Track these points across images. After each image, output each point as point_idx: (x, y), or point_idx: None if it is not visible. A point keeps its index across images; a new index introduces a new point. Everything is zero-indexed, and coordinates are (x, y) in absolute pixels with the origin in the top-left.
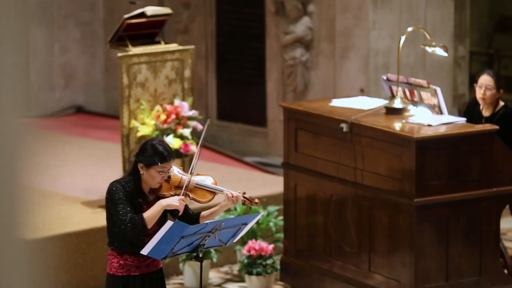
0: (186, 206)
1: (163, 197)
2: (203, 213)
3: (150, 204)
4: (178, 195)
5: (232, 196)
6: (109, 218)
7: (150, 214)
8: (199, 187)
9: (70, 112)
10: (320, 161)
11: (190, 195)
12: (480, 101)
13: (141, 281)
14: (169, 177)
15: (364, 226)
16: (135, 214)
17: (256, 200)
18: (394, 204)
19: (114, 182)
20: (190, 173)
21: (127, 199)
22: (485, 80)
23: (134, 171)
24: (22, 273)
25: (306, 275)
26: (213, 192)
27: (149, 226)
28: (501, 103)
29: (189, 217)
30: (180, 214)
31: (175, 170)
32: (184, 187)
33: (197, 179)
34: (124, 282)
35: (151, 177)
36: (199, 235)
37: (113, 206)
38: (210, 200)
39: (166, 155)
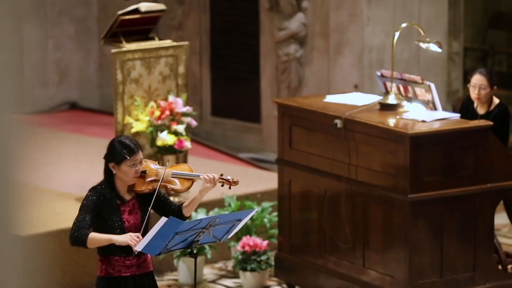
0: (166, 200)
1: (141, 193)
2: (185, 203)
3: (127, 205)
4: (155, 189)
5: (210, 178)
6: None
7: (96, 238)
8: (176, 177)
9: (64, 108)
10: (314, 157)
11: (168, 186)
12: (475, 101)
13: (132, 282)
14: (145, 172)
15: (358, 222)
16: (89, 227)
17: (235, 179)
18: (388, 200)
19: (91, 188)
20: (165, 165)
21: (95, 206)
22: (478, 80)
23: (106, 173)
24: (17, 269)
25: (301, 271)
26: (190, 179)
27: (90, 246)
28: (496, 101)
29: (172, 210)
30: (135, 251)
31: (151, 165)
32: (160, 179)
33: (172, 169)
34: (116, 284)
35: (124, 173)
36: (193, 231)
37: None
38: (188, 188)
39: (133, 147)
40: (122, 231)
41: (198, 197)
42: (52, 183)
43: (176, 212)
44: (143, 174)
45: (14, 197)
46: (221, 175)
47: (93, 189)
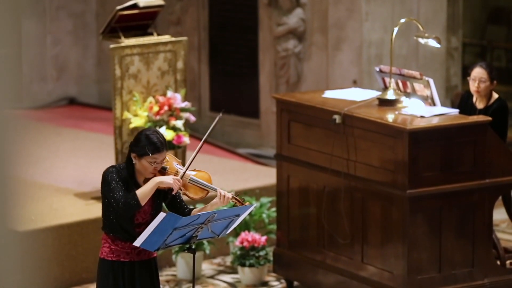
0: (180, 200)
1: (157, 188)
2: (195, 210)
3: None
4: (170, 188)
5: (224, 196)
6: (103, 202)
7: (143, 191)
8: (193, 183)
9: (62, 103)
10: (313, 153)
11: (182, 190)
12: (475, 94)
13: (130, 268)
14: (165, 169)
15: (357, 218)
16: (129, 191)
17: (247, 203)
18: (387, 195)
19: (110, 166)
20: (186, 167)
21: (120, 180)
22: (478, 72)
23: (128, 160)
24: (15, 264)
25: (299, 267)
26: (205, 190)
27: (142, 202)
28: (495, 96)
29: (182, 212)
30: (174, 193)
31: (174, 163)
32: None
33: (192, 174)
34: (114, 267)
35: (143, 167)
36: (191, 226)
37: (106, 187)
38: (202, 198)
39: (159, 146)
40: (131, 216)
41: (209, 209)
42: (50, 178)
43: (185, 215)
44: (163, 171)
45: (12, 192)
46: (237, 194)
47: (112, 166)
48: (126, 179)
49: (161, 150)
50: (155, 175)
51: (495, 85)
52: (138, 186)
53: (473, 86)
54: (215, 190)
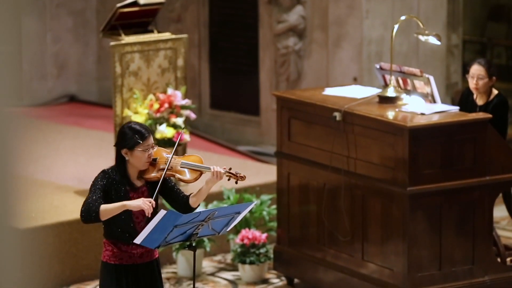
0: (175, 189)
1: (150, 180)
2: (193, 194)
3: (137, 192)
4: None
5: (217, 172)
6: None
7: (108, 208)
8: (185, 167)
9: (62, 101)
10: (313, 150)
11: (176, 176)
12: (474, 91)
13: (133, 271)
14: (156, 160)
15: (357, 215)
16: (99, 203)
17: (241, 174)
18: (387, 192)
19: (102, 170)
20: (173, 154)
21: (105, 187)
22: (476, 69)
23: (118, 160)
24: (15, 262)
25: (299, 264)
26: (198, 171)
27: (103, 218)
28: (495, 92)
29: (180, 200)
30: (147, 215)
31: (163, 153)
32: (166, 167)
33: (182, 159)
34: (117, 271)
35: (137, 158)
36: (192, 224)
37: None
38: (196, 179)
39: (144, 132)
40: (129, 217)
41: (205, 188)
42: (50, 176)
43: (183, 202)
44: (153, 162)
45: (13, 190)
46: (230, 169)
47: (103, 172)
48: (118, 180)
49: (147, 135)
50: (149, 166)
51: (494, 82)
52: (132, 185)
53: (471, 84)
54: (207, 168)
